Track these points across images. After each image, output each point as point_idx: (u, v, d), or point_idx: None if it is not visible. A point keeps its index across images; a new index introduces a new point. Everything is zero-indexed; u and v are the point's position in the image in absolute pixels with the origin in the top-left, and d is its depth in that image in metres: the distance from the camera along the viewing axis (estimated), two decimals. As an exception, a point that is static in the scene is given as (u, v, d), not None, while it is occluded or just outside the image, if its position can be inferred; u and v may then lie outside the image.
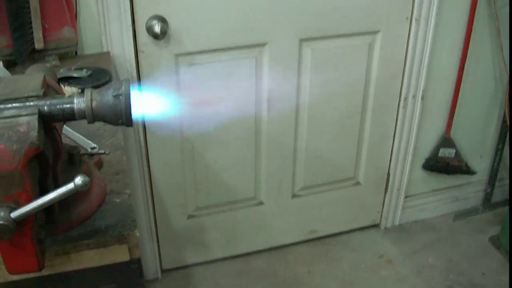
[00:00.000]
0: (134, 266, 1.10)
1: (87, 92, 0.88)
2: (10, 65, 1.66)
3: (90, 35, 1.79)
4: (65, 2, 1.65)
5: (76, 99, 0.88)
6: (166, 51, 1.86)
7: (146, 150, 2.07)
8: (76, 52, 1.77)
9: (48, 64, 1.67)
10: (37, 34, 1.61)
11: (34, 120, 0.84)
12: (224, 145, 2.13)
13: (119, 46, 1.80)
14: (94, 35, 1.79)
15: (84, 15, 1.76)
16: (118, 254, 1.08)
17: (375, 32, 2.07)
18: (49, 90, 1.01)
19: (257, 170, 2.24)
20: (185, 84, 1.94)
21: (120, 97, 0.87)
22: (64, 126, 1.36)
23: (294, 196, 2.38)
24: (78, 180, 0.84)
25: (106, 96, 0.88)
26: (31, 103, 0.87)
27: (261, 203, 2.35)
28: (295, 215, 2.44)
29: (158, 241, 2.31)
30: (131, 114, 0.89)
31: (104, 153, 1.18)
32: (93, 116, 0.88)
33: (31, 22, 1.59)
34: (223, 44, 1.90)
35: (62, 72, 1.50)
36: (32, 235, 0.89)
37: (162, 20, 1.79)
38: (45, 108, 0.87)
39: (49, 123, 0.90)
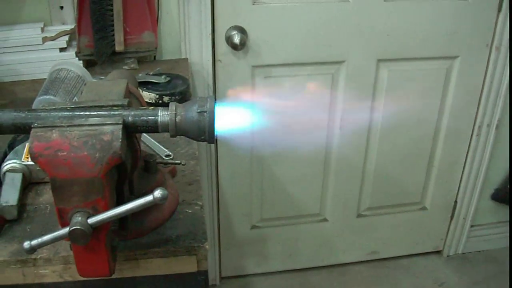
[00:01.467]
0: (201, 278, 1.10)
1: (172, 106, 0.89)
2: (90, 65, 1.70)
3: (169, 40, 1.82)
4: (147, 7, 1.69)
5: (161, 112, 0.88)
6: (244, 62, 1.87)
7: (216, 158, 2.09)
8: (154, 57, 1.80)
9: (127, 67, 1.70)
10: (118, 36, 1.64)
11: (118, 130, 0.84)
12: (293, 159, 2.12)
13: (198, 54, 1.82)
14: (173, 41, 1.82)
15: (165, 21, 1.80)
16: (186, 265, 1.08)
17: (453, 58, 2.03)
18: (131, 97, 1.02)
19: (324, 187, 2.22)
20: (260, 96, 1.94)
21: (205, 114, 0.88)
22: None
23: (359, 215, 2.35)
24: (158, 193, 0.84)
25: (190, 112, 0.88)
26: (116, 113, 0.88)
27: (325, 220, 2.33)
28: (358, 234, 2.40)
29: (219, 248, 2.32)
30: (214, 132, 0.88)
31: (180, 163, 1.18)
32: (176, 130, 0.89)
33: (113, 25, 1.63)
34: (300, 58, 1.90)
35: (141, 77, 1.52)
36: (106, 241, 0.90)
37: (242, 31, 1.80)
38: (130, 118, 0.88)
39: (131, 133, 0.91)
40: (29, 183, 1.22)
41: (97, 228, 0.86)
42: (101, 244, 0.89)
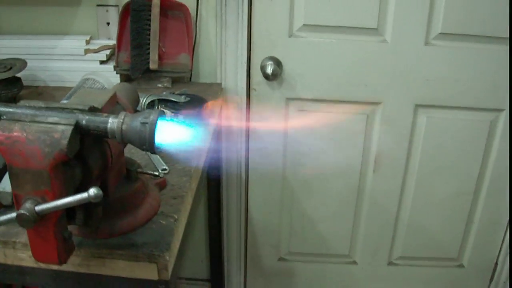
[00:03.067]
0: (161, 287, 1.14)
1: (121, 115, 0.95)
2: (127, 80, 1.81)
3: (206, 64, 1.90)
4: (185, 30, 1.77)
5: (111, 120, 0.94)
6: (278, 93, 1.91)
7: (246, 184, 2.12)
8: (190, 78, 1.88)
9: (160, 85, 1.79)
10: (153, 55, 1.73)
11: (68, 129, 0.91)
12: (325, 195, 2.12)
13: (233, 80, 1.88)
14: (210, 65, 1.89)
15: (204, 45, 1.87)
16: (147, 272, 1.12)
17: (499, 110, 1.95)
18: (115, 107, 1.10)
19: (354, 229, 2.19)
20: (293, 128, 1.97)
21: (146, 125, 0.92)
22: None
23: (390, 263, 2.29)
24: (92, 191, 0.90)
25: (135, 122, 0.93)
26: (73, 115, 0.96)
27: (354, 262, 2.29)
28: (389, 283, 2.34)
29: (245, 276, 2.33)
30: (154, 143, 0.93)
31: (157, 175, 1.23)
32: (122, 137, 0.94)
33: (149, 44, 1.73)
34: (335, 95, 1.91)
35: (164, 95, 1.60)
36: (55, 230, 0.96)
37: (277, 62, 1.84)
38: (83, 122, 0.95)
39: (90, 135, 0.97)
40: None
41: (45, 216, 0.93)
42: (50, 232, 0.96)
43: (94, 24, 1.87)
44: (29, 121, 0.93)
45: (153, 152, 0.96)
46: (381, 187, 2.07)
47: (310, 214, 2.16)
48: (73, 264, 1.14)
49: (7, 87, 1.63)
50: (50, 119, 0.94)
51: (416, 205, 2.12)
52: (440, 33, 1.80)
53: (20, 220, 0.92)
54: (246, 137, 2.01)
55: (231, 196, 2.13)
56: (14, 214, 0.93)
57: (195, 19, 1.82)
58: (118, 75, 1.79)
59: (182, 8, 1.75)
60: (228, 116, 1.94)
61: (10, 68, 1.63)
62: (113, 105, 1.09)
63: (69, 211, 1.08)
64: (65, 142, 0.90)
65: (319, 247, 2.25)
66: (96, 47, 1.80)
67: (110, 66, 1.79)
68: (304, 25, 1.81)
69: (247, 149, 2.04)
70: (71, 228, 1.14)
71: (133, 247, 1.12)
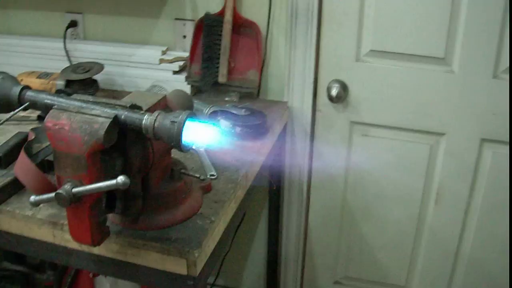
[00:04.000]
0: (189, 282, 1.20)
1: (156, 113, 1.02)
2: (198, 92, 1.90)
3: (274, 82, 1.96)
4: (256, 48, 1.84)
5: (146, 117, 1.02)
6: (343, 116, 1.94)
7: (307, 204, 2.15)
8: (258, 94, 1.95)
9: (228, 99, 1.87)
10: (222, 69, 1.82)
11: (107, 122, 1.00)
12: (384, 222, 2.10)
13: (299, 100, 1.93)
14: (278, 83, 1.95)
15: (273, 63, 1.94)
16: (177, 266, 1.18)
17: None
18: (164, 110, 1.18)
19: (412, 259, 2.15)
20: (356, 152, 1.98)
21: (175, 123, 0.99)
22: (203, 150, 1.53)
23: (447, 299, 2.23)
24: (120, 179, 0.98)
25: (166, 120, 1.00)
26: (114, 110, 1.04)
27: (410, 294, 2.25)
28: (445, 319, 2.27)
29: (301, 295, 2.35)
30: (180, 141, 0.99)
31: (197, 177, 1.29)
32: (154, 134, 1.02)
33: (219, 58, 1.81)
34: (399, 123, 1.90)
35: (226, 107, 1.67)
36: (90, 213, 1.05)
37: (343, 85, 1.87)
38: (122, 116, 1.03)
39: (128, 130, 1.06)
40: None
41: (81, 198, 1.02)
42: (85, 214, 1.05)
43: (172, 36, 1.99)
44: (75, 112, 1.03)
45: (181, 150, 1.02)
46: (442, 220, 2.03)
47: (369, 240, 2.15)
48: (112, 251, 1.23)
49: (84, 87, 1.77)
50: (93, 112, 1.03)
51: (478, 241, 2.05)
52: (509, 67, 1.76)
53: (58, 199, 1.01)
54: (309, 157, 2.04)
55: (291, 214, 2.16)
56: (53, 194, 1.02)
57: (265, 37, 1.89)
58: (189, 86, 1.88)
59: (253, 26, 1.83)
60: (292, 134, 1.99)
61: (88, 71, 1.77)
62: (161, 108, 1.18)
63: (110, 200, 1.18)
64: (102, 132, 0.99)
65: (376, 274, 2.22)
66: (170, 58, 1.91)
67: (182, 76, 1.89)
68: (371, 50, 1.83)
69: (310, 169, 2.07)
70: (113, 217, 1.24)
71: (167, 241, 1.19)
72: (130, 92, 1.91)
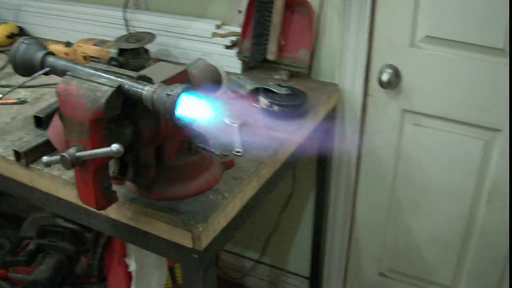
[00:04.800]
0: (195, 256, 1.21)
1: (156, 85, 1.03)
2: (248, 69, 1.90)
3: (326, 63, 1.91)
4: (308, 27, 1.81)
5: (147, 88, 1.03)
6: (394, 103, 1.87)
7: (355, 190, 2.11)
8: (309, 75, 1.92)
9: (277, 76, 1.85)
10: (272, 46, 1.80)
11: (109, 90, 1.02)
12: (432, 218, 2.02)
13: (350, 83, 1.88)
14: (329, 64, 1.91)
15: (325, 43, 1.89)
16: (183, 238, 1.20)
17: None
18: (183, 82, 1.19)
19: (460, 260, 2.06)
20: (406, 142, 1.92)
21: (170, 96, 0.99)
22: (236, 125, 1.53)
23: (497, 303, 2.12)
24: (114, 147, 1.00)
25: (162, 92, 1.01)
26: (119, 79, 1.06)
27: (456, 295, 2.16)
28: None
29: (344, 282, 2.32)
30: (174, 114, 1.00)
31: (213, 152, 1.28)
32: (152, 105, 1.03)
33: (269, 34, 1.79)
34: (454, 115, 1.81)
35: (268, 84, 1.66)
36: (94, 178, 1.08)
37: (396, 71, 1.80)
38: (126, 86, 1.05)
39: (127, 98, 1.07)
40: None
41: (85, 163, 1.06)
42: (89, 178, 1.08)
43: (228, 10, 1.99)
44: (84, 79, 1.06)
45: (175, 123, 1.03)
46: (493, 221, 1.92)
47: (416, 234, 2.08)
48: (126, 217, 1.27)
49: (135, 57, 1.81)
50: (100, 80, 1.06)
51: (531, 247, 1.94)
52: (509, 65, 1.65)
53: (62, 161, 1.05)
54: (359, 142, 1.99)
55: (339, 200, 2.13)
56: (58, 156, 1.06)
57: (318, 17, 1.84)
58: (240, 61, 1.88)
59: (306, 4, 1.79)
60: (342, 118, 1.94)
61: (140, 40, 1.81)
62: (180, 80, 1.18)
63: (123, 167, 1.21)
64: (103, 100, 1.01)
65: (421, 271, 2.15)
66: (223, 32, 1.91)
67: (233, 51, 1.89)
68: (426, 36, 1.75)
69: (359, 156, 2.03)
70: (130, 185, 1.27)
71: (175, 212, 1.20)
72: (183, 64, 1.96)
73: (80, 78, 1.07)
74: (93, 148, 1.04)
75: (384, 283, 2.25)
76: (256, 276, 2.57)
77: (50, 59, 1.21)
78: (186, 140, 1.26)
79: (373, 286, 2.27)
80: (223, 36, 1.91)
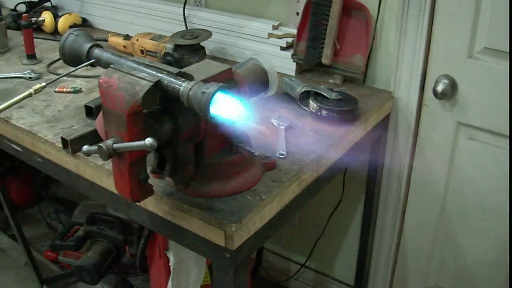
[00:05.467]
0: (226, 255, 1.21)
1: (193, 82, 1.04)
2: (303, 71, 1.89)
3: (381, 70, 1.87)
4: (365, 33, 1.78)
5: (185, 84, 1.04)
6: (449, 115, 1.81)
7: (405, 202, 2.06)
8: (364, 81, 1.88)
9: (331, 81, 1.83)
10: (327, 50, 1.78)
11: (148, 85, 1.04)
12: (482, 236, 1.94)
13: (405, 92, 1.83)
14: (385, 72, 1.87)
15: (382, 50, 1.85)
16: (216, 236, 1.20)
17: None
18: (227, 81, 1.19)
19: (509, 280, 1.97)
20: (460, 156, 1.85)
21: (205, 94, 1.00)
22: (282, 127, 1.52)
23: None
24: (148, 141, 1.01)
25: (198, 90, 1.01)
26: (159, 75, 1.07)
27: (503, 319, 2.07)
28: None
29: (389, 294, 2.28)
30: (208, 112, 1.00)
31: (252, 152, 1.28)
32: (187, 102, 1.03)
33: (324, 38, 1.77)
34: (508, 131, 1.74)
35: (319, 88, 1.64)
36: (130, 170, 1.10)
37: (452, 82, 1.74)
38: (164, 82, 1.06)
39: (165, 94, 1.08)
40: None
41: (122, 154, 1.07)
42: (125, 170, 1.10)
43: (286, 12, 1.98)
44: (126, 73, 1.08)
45: (209, 121, 1.03)
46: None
47: (464, 252, 2.00)
48: (163, 211, 1.28)
49: (191, 53, 1.82)
50: (141, 74, 1.07)
51: None
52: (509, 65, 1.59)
53: (99, 151, 1.07)
54: (411, 153, 1.94)
55: (387, 211, 2.09)
56: (96, 146, 1.08)
57: (375, 22, 1.81)
58: (294, 63, 1.87)
59: (363, 9, 1.76)
60: (395, 127, 1.90)
61: (196, 37, 1.82)
62: (224, 79, 1.19)
63: (161, 161, 1.22)
64: (141, 94, 1.03)
65: (468, 290, 2.09)
66: (280, 33, 1.90)
67: (289, 53, 1.88)
68: (485, 48, 1.68)
69: (410, 167, 1.97)
70: (169, 180, 1.29)
71: (210, 210, 1.21)
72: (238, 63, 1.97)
73: (122, 71, 1.09)
74: (130, 141, 1.06)
75: (429, 298, 2.19)
76: (301, 280, 2.55)
77: (96, 51, 1.23)
78: (227, 139, 1.26)
79: (418, 300, 2.21)
80: (279, 37, 1.90)
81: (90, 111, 1.57)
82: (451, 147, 1.86)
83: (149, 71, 1.10)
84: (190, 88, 1.03)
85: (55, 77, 1.69)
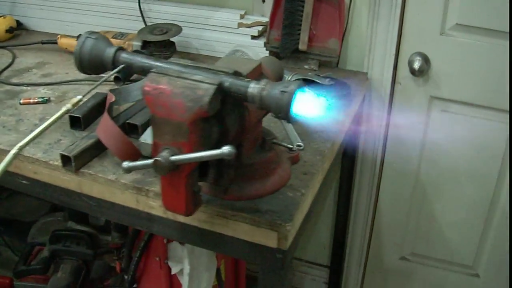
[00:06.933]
0: (279, 256, 1.17)
1: (263, 81, 0.98)
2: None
3: (355, 52, 1.89)
4: (338, 16, 1.78)
5: (253, 85, 0.98)
6: (422, 90, 1.87)
7: (380, 176, 2.11)
8: (337, 64, 1.89)
9: (307, 67, 1.81)
10: (303, 36, 1.76)
11: (212, 88, 0.96)
12: (455, 200, 2.04)
13: (379, 72, 1.86)
14: (358, 54, 1.89)
15: (354, 33, 1.87)
16: (267, 238, 1.15)
17: None
18: (259, 76, 1.13)
19: (482, 240, 2.09)
20: (434, 128, 1.92)
21: (285, 93, 0.94)
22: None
23: (515, 280, 2.16)
24: (226, 148, 0.94)
25: (275, 89, 0.96)
26: (217, 76, 1.00)
27: (476, 275, 2.18)
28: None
29: (365, 268, 2.33)
30: (290, 111, 0.95)
31: (290, 148, 1.24)
32: (260, 103, 0.97)
33: (300, 24, 1.75)
34: (480, 100, 1.83)
35: (309, 75, 1.62)
36: (186, 182, 1.02)
37: (425, 59, 1.80)
38: (226, 84, 0.99)
39: (231, 98, 1.01)
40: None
41: (179, 167, 0.99)
42: (181, 183, 1.02)
43: (249, 0, 1.93)
44: (175, 76, 0.99)
45: (288, 121, 0.98)
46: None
47: (438, 218, 2.10)
48: (199, 220, 1.20)
49: (161, 49, 1.73)
50: (196, 77, 0.99)
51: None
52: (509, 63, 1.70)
53: (156, 166, 0.98)
54: (386, 129, 1.99)
55: (363, 186, 2.13)
56: (151, 161, 0.99)
57: (348, 6, 1.82)
58: (267, 52, 1.83)
59: (335, -8, 1.77)
60: (370, 105, 1.93)
61: (166, 32, 1.73)
62: (257, 75, 1.13)
63: (202, 168, 1.14)
64: (207, 99, 0.95)
65: (443, 252, 2.18)
66: (249, 22, 1.86)
67: (261, 42, 1.84)
68: (457, 24, 1.75)
69: (385, 142, 2.02)
70: (201, 185, 1.21)
71: (257, 212, 1.15)
72: (205, 56, 1.90)
73: (170, 75, 1.00)
74: (190, 151, 0.98)
75: (406, 267, 2.27)
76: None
77: (124, 55, 1.12)
78: (259, 136, 1.21)
79: (394, 270, 2.29)
80: (249, 26, 1.85)
81: (76, 122, 1.45)
82: (424, 120, 1.92)
83: (203, 72, 1.02)
84: (263, 88, 0.97)
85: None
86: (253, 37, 1.86)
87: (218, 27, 1.88)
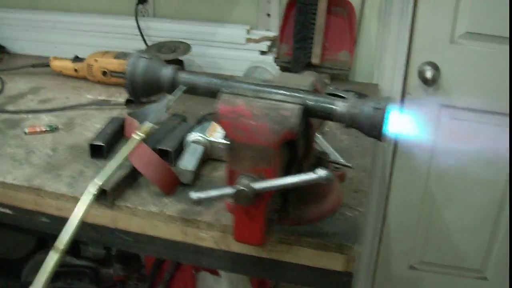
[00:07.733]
0: (346, 279, 1.11)
1: (351, 99, 0.92)
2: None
3: (364, 64, 1.88)
4: (348, 28, 1.75)
5: (340, 102, 0.92)
6: (432, 99, 1.86)
7: (389, 183, 2.09)
8: (347, 77, 1.86)
9: (319, 80, 1.77)
10: (316, 49, 1.72)
11: (298, 109, 0.90)
12: (465, 206, 2.05)
13: (388, 83, 1.85)
14: (368, 65, 1.87)
15: (363, 44, 1.85)
16: (334, 262, 1.09)
17: None
18: (316, 91, 1.07)
19: (490, 244, 2.10)
20: (444, 136, 1.91)
21: (379, 110, 0.90)
22: (320, 136, 1.43)
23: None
24: (322, 171, 0.88)
25: (367, 107, 0.91)
26: (299, 95, 0.94)
27: (485, 278, 2.19)
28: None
29: (374, 277, 2.31)
30: (384, 129, 0.92)
31: (350, 166, 1.20)
32: (351, 122, 0.92)
33: (313, 37, 1.71)
34: (490, 107, 1.83)
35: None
36: (265, 211, 0.95)
37: (435, 67, 1.79)
38: (310, 102, 0.93)
39: (308, 117, 0.95)
40: (208, 158, 1.32)
41: (259, 195, 0.91)
42: (260, 211, 0.95)
43: (254, 14, 1.87)
44: (252, 97, 0.92)
45: (380, 140, 0.93)
46: (523, 205, 1.98)
47: (448, 224, 2.10)
48: (256, 248, 1.12)
49: (171, 69, 1.64)
50: (276, 97, 0.92)
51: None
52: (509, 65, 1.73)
53: (238, 196, 0.91)
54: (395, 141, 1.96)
55: (372, 194, 2.09)
56: (230, 190, 0.91)
57: (358, 17, 1.80)
58: (278, 67, 1.78)
59: (347, 5, 1.74)
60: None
61: (174, 50, 1.64)
62: (317, 91, 1.08)
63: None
64: (295, 120, 0.89)
65: (451, 258, 2.18)
66: (257, 37, 1.80)
67: (270, 57, 1.78)
68: (467, 32, 1.75)
69: (395, 150, 2.01)
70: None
71: (322, 236, 1.10)
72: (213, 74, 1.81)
73: (246, 95, 0.93)
74: (273, 177, 0.91)
75: (415, 277, 2.25)
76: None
77: (184, 75, 1.03)
78: (312, 156, 1.15)
79: (403, 280, 2.27)
80: (257, 41, 1.79)
81: (97, 150, 1.34)
82: (434, 128, 1.90)
83: (280, 91, 0.95)
84: (354, 106, 0.91)
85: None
86: (262, 53, 1.80)
87: (224, 43, 1.82)
